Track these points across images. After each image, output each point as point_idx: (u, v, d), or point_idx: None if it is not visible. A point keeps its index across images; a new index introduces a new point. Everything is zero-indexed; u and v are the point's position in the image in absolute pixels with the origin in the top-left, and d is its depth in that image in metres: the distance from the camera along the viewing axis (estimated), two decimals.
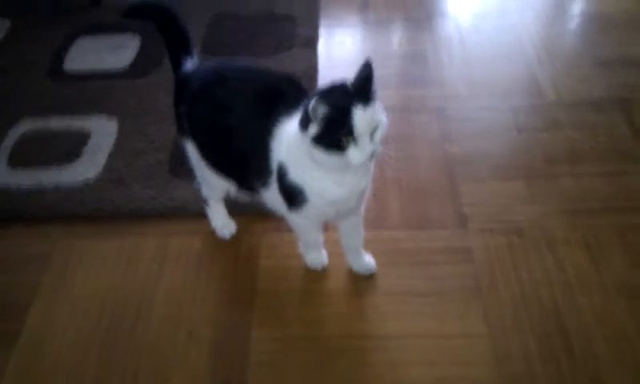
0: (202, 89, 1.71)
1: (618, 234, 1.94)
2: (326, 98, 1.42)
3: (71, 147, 2.33)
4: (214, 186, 1.89)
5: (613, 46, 2.73)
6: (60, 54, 2.82)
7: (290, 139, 1.55)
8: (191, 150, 1.83)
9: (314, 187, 1.57)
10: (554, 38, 2.81)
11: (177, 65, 1.83)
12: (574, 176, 2.14)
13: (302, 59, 2.70)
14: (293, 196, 1.61)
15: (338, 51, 2.89)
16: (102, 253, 1.98)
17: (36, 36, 2.95)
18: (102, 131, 2.39)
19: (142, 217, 2.08)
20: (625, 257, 1.88)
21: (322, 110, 1.41)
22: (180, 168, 2.17)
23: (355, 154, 1.45)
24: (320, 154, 1.46)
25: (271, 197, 1.69)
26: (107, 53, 2.82)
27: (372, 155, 1.46)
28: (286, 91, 1.63)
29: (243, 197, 1.85)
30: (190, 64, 1.83)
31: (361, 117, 1.42)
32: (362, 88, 1.45)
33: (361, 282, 1.86)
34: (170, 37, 1.84)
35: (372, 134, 1.45)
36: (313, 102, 1.40)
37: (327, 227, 1.89)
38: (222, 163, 1.78)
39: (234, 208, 2.01)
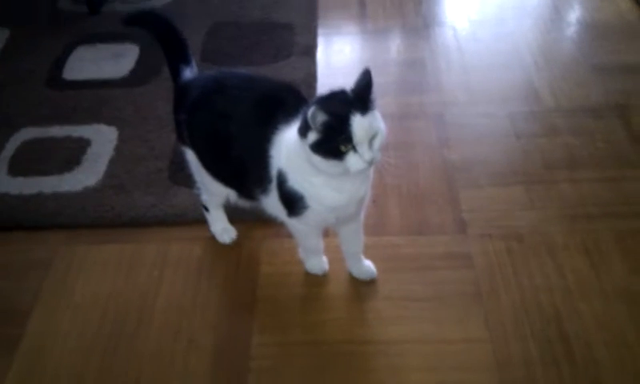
0: (201, 97, 1.72)
1: (618, 239, 1.94)
2: (325, 105, 1.43)
3: (71, 155, 2.33)
4: (213, 193, 1.89)
5: (610, 53, 2.75)
6: (59, 63, 2.83)
7: (289, 146, 1.56)
8: (191, 158, 1.84)
9: (314, 194, 1.58)
10: (552, 45, 2.83)
11: (175, 74, 1.84)
12: (572, 181, 2.14)
13: (300, 67, 2.72)
14: (293, 203, 1.61)
15: (337, 59, 2.90)
16: (102, 259, 1.98)
17: (35, 45, 2.96)
18: (102, 139, 2.40)
19: (142, 224, 2.08)
20: (624, 262, 1.88)
21: (320, 118, 1.42)
22: (180, 175, 2.18)
23: (354, 161, 1.45)
24: (319, 161, 1.47)
25: (271, 203, 1.69)
26: (106, 62, 2.83)
27: (371, 162, 1.47)
28: (286, 99, 1.64)
29: (243, 203, 1.86)
30: (189, 73, 1.84)
31: (359, 124, 1.43)
32: (361, 96, 1.46)
33: (361, 288, 1.87)
34: (168, 46, 1.85)
35: (371, 142, 1.46)
36: (312, 110, 1.41)
37: (327, 233, 1.89)
38: (221, 171, 1.78)
39: (234, 214, 2.01)
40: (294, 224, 1.71)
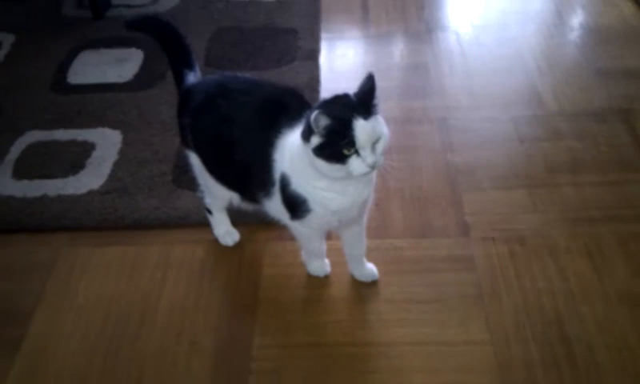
0: (205, 101, 1.73)
1: (620, 242, 1.94)
2: (328, 109, 1.44)
3: (75, 159, 2.34)
4: (216, 196, 1.90)
5: (613, 57, 2.75)
6: (64, 68, 2.84)
7: (292, 150, 1.56)
8: (194, 161, 1.85)
9: (317, 197, 1.58)
10: (555, 50, 2.83)
11: (179, 78, 1.86)
12: (575, 185, 2.15)
13: (304, 72, 2.73)
14: (295, 206, 1.62)
15: (340, 64, 2.91)
16: (105, 261, 1.99)
17: (40, 50, 2.97)
18: (106, 143, 2.41)
19: (145, 226, 2.09)
20: (626, 265, 1.88)
21: (323, 122, 1.42)
22: (183, 178, 2.18)
23: (356, 165, 1.46)
24: (322, 165, 1.48)
25: (274, 207, 1.70)
26: (111, 66, 2.84)
27: (373, 166, 1.47)
28: (289, 103, 1.65)
29: (246, 206, 1.86)
30: (193, 77, 1.85)
31: (362, 128, 1.43)
32: (364, 100, 1.47)
33: (363, 290, 1.87)
34: (171, 51, 1.87)
35: (374, 146, 1.47)
36: (315, 114, 1.41)
37: (330, 235, 1.90)
38: (225, 174, 1.79)
39: (237, 217, 2.02)
40: (296, 227, 1.71)
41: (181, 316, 1.82)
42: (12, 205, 2.17)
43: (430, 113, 2.50)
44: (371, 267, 1.88)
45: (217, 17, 3.12)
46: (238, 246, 2.01)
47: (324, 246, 1.85)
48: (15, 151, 2.39)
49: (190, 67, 1.85)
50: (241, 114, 1.66)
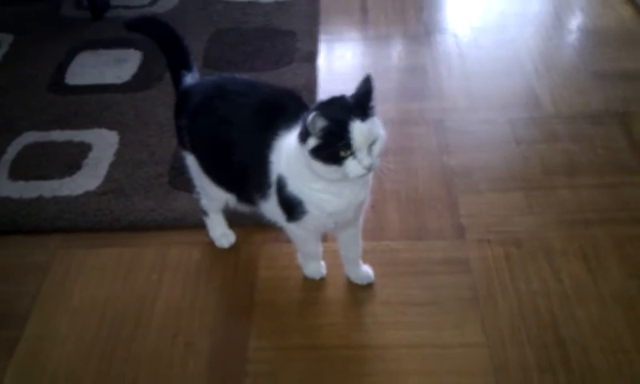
0: (202, 102, 1.73)
1: (616, 244, 1.95)
2: (325, 111, 1.44)
3: (72, 160, 2.34)
4: (213, 198, 1.90)
5: (610, 60, 2.75)
6: (62, 68, 2.84)
7: (289, 152, 1.56)
8: (191, 163, 1.85)
9: (313, 199, 1.58)
10: (553, 52, 2.83)
11: (177, 80, 1.85)
12: (571, 187, 2.15)
13: (302, 73, 2.73)
14: (292, 208, 1.62)
15: (338, 65, 2.91)
16: (101, 262, 1.99)
17: (38, 50, 2.97)
18: (103, 144, 2.40)
19: (141, 228, 2.09)
20: (622, 268, 1.88)
21: (320, 123, 1.42)
22: (180, 180, 2.18)
23: (353, 166, 1.46)
24: (318, 167, 1.48)
25: (270, 208, 1.70)
26: (109, 67, 2.84)
27: (370, 168, 1.47)
28: (286, 105, 1.65)
29: (242, 208, 1.86)
30: (191, 78, 1.84)
31: (359, 130, 1.43)
32: (361, 102, 1.47)
33: (359, 292, 1.87)
34: (169, 52, 1.87)
35: (370, 148, 1.47)
36: (312, 116, 1.42)
37: (326, 238, 1.90)
38: (221, 176, 1.79)
39: (233, 219, 2.02)
40: (292, 229, 1.71)
41: (176, 318, 1.82)
42: (8, 206, 2.17)
43: (427, 115, 2.50)
44: (367, 269, 1.88)
45: (216, 18, 3.12)
46: (233, 247, 2.01)
47: (320, 248, 1.86)
48: (12, 152, 2.39)
49: (188, 68, 1.85)
50: (238, 116, 1.66)
